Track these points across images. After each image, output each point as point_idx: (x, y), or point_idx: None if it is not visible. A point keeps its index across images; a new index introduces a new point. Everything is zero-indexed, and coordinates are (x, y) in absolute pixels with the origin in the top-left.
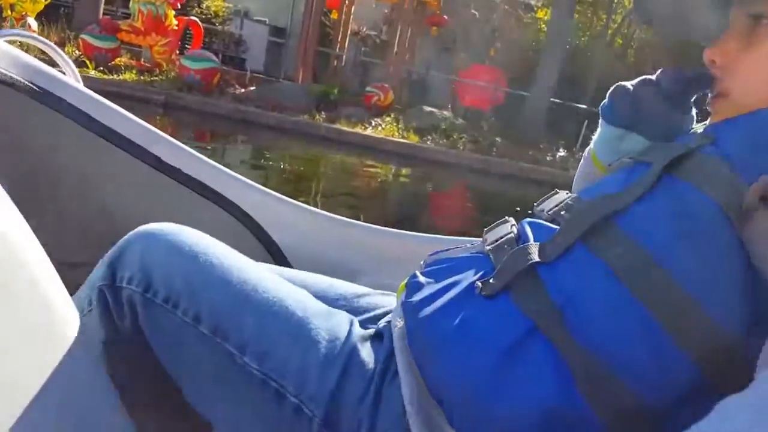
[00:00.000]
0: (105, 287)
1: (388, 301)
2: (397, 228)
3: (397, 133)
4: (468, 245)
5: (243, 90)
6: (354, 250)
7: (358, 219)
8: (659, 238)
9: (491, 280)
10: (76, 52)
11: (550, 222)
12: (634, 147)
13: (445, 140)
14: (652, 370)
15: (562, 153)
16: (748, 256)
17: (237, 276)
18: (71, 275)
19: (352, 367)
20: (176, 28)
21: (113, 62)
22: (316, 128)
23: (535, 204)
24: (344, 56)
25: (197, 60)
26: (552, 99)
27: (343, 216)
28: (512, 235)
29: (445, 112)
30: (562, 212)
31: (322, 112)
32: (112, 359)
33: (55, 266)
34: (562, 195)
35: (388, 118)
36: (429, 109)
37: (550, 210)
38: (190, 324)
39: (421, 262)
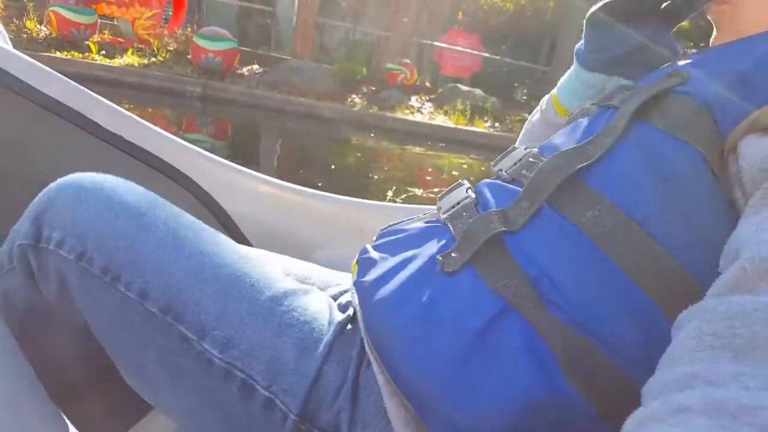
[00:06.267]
0: (28, 247)
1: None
2: None
3: (463, 120)
4: (421, 215)
5: (251, 72)
6: (312, 220)
7: None
8: (637, 196)
9: (452, 254)
10: (42, 29)
11: (510, 183)
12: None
13: (498, 123)
14: (642, 348)
15: None
16: (729, 210)
17: (190, 243)
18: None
19: (334, 353)
20: None
21: (89, 41)
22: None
23: (491, 163)
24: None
25: (214, 39)
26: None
27: None
28: (469, 200)
29: (477, 90)
30: (523, 171)
31: (353, 96)
32: (31, 332)
33: None
34: (521, 151)
35: (425, 100)
36: (465, 88)
37: (509, 169)
38: (134, 300)
39: (374, 238)
